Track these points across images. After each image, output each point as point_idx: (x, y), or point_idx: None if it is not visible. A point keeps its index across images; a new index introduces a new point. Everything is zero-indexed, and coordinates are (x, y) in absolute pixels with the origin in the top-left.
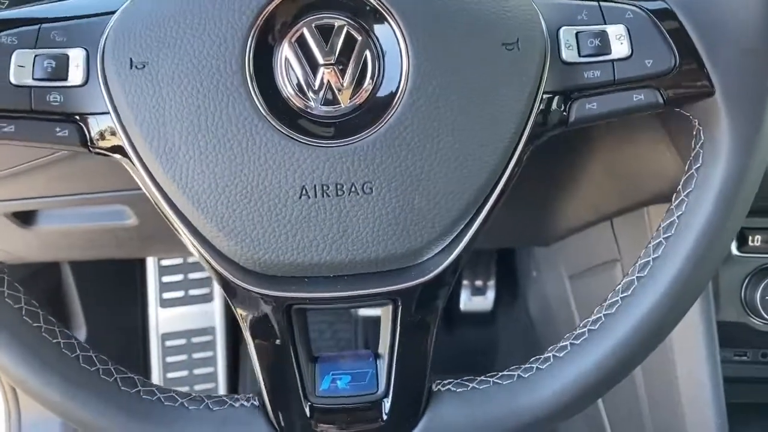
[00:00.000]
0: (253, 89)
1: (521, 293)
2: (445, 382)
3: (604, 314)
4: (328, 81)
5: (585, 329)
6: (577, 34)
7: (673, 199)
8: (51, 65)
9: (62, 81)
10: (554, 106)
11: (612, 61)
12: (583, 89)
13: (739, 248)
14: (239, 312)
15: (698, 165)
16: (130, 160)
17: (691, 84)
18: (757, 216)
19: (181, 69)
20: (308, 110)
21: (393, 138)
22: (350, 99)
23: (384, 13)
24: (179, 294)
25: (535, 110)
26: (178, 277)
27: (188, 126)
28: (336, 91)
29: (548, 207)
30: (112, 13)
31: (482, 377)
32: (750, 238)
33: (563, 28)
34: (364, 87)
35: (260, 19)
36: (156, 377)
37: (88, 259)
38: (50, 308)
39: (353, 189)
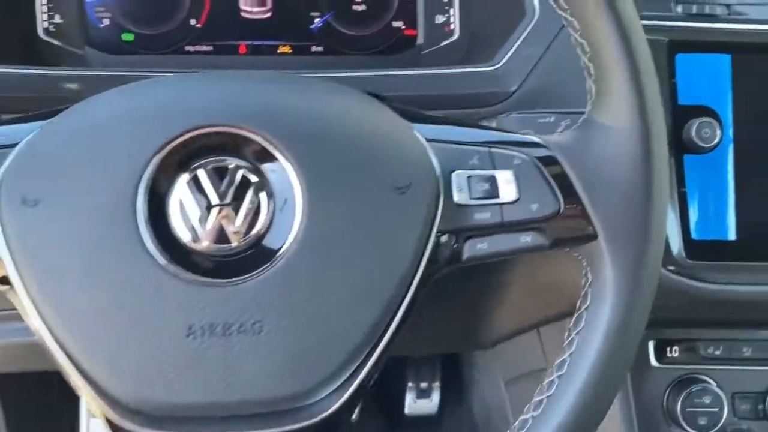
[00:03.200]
0: (144, 228)
1: (466, 396)
2: None
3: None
4: (220, 222)
5: None
6: (468, 177)
7: (565, 338)
8: None
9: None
10: (447, 245)
11: (500, 204)
12: (474, 230)
13: (658, 359)
14: None
15: (586, 304)
16: (15, 291)
17: (575, 228)
18: (674, 327)
19: (74, 208)
20: (199, 249)
21: (284, 278)
22: (243, 238)
23: (277, 156)
24: None
25: (428, 250)
26: None
27: (77, 263)
28: (228, 231)
29: (476, 316)
30: (14, 146)
31: None
32: (668, 349)
33: (456, 172)
34: (256, 227)
35: (151, 163)
36: None
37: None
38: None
39: (242, 328)
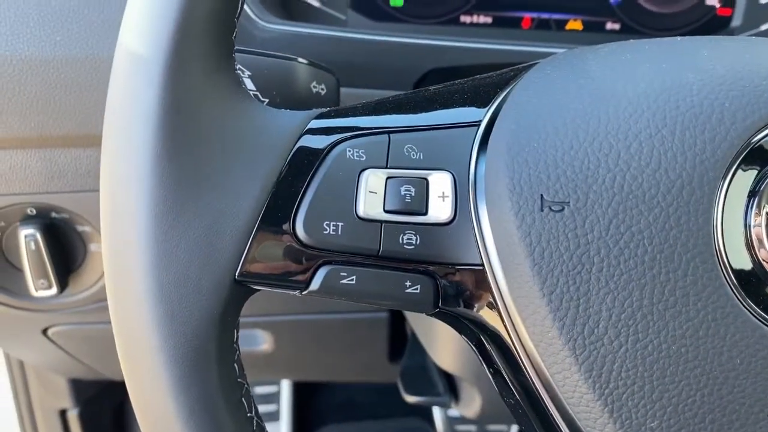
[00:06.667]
0: (721, 255)
1: None
2: None
3: None
4: None
5: None
6: None
7: None
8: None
9: (420, 216)
10: None
11: None
12: None
13: None
14: None
15: None
16: (497, 337)
17: None
18: None
19: (622, 217)
20: None
21: None
22: None
23: None
24: None
25: None
26: None
27: (621, 300)
28: None
29: None
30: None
31: None
32: None
33: None
34: None
35: (744, 152)
36: None
37: None
38: (114, 425)
39: None
